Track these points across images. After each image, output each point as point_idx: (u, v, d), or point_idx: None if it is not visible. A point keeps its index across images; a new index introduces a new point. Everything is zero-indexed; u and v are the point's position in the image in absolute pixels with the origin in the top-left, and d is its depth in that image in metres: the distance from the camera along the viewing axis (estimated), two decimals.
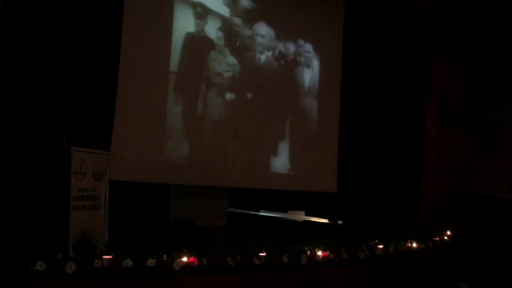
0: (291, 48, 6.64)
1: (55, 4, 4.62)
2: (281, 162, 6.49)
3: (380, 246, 6.05)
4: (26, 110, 4.50)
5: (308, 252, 5.23)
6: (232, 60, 5.89)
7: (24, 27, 4.45)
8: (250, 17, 6.11)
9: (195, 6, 5.55)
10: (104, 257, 3.95)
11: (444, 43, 8.23)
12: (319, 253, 5.32)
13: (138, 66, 4.95)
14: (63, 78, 4.72)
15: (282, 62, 6.51)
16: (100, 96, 4.89)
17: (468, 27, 8.36)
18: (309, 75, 6.88)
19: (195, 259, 4.32)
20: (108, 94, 4.76)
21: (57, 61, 4.66)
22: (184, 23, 5.44)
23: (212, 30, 5.70)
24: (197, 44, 5.57)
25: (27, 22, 4.47)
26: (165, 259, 4.19)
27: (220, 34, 5.79)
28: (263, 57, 6.27)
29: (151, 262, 4.09)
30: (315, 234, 6.53)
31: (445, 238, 7.42)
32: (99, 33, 4.86)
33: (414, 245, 6.66)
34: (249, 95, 6.09)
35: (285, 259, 5.01)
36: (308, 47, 6.85)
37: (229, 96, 5.84)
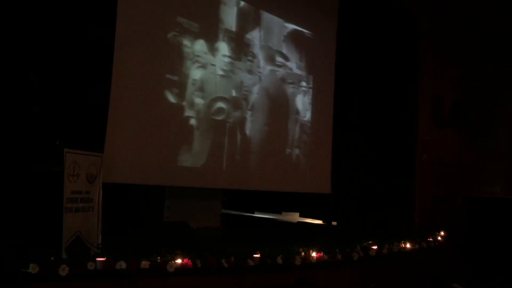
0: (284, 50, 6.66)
1: (50, 6, 4.60)
2: (275, 163, 6.49)
3: (374, 247, 6.06)
4: (19, 112, 4.47)
5: (303, 253, 5.23)
6: (226, 66, 5.88)
7: (18, 30, 4.43)
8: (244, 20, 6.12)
9: None
10: (98, 259, 3.92)
11: (436, 44, 8.28)
12: (314, 254, 5.32)
13: (132, 68, 4.93)
14: (56, 79, 4.70)
15: (275, 65, 6.51)
16: (93, 97, 4.87)
17: (461, 27, 8.41)
18: (303, 77, 6.88)
19: (189, 260, 4.32)
20: (102, 96, 4.74)
21: (51, 62, 4.64)
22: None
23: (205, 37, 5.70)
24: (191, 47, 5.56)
25: (20, 25, 4.45)
26: (159, 261, 4.17)
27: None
28: (257, 61, 6.27)
29: (145, 264, 4.08)
30: (310, 235, 6.53)
31: (439, 238, 7.46)
32: (93, 35, 4.84)
33: (408, 245, 6.69)
34: (243, 97, 6.08)
35: (280, 260, 5.01)
36: (302, 49, 6.85)
37: (223, 98, 5.83)
